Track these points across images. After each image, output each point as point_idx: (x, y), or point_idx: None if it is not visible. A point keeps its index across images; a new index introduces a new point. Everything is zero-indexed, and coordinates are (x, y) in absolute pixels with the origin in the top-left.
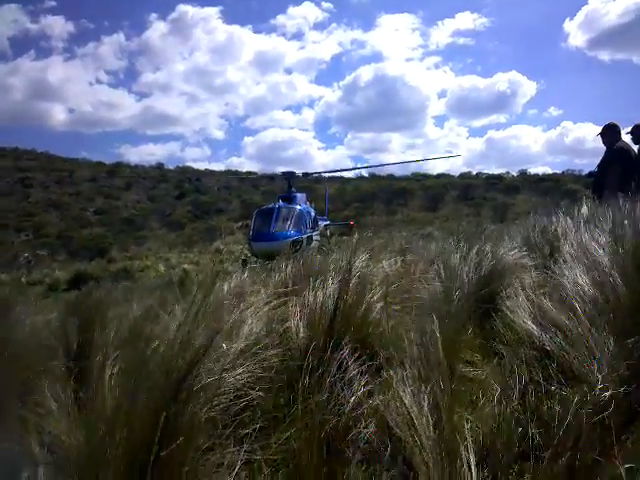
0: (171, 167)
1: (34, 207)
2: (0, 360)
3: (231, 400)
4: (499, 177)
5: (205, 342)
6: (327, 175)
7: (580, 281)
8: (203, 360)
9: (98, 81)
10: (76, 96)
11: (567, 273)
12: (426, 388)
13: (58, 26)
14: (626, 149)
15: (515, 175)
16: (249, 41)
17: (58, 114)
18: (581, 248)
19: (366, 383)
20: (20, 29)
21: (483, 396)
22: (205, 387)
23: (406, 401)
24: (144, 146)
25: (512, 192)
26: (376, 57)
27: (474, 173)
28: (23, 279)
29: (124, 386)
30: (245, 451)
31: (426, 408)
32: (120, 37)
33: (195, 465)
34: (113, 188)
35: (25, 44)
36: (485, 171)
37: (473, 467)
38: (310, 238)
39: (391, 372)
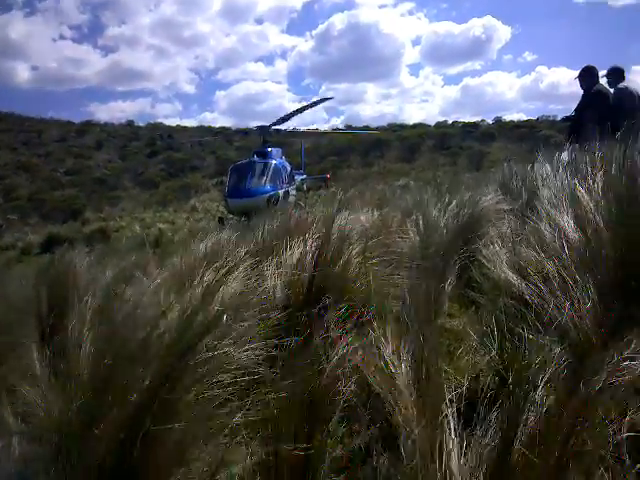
0: (142, 124)
1: (3, 170)
2: None
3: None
4: (475, 125)
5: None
6: (302, 129)
7: (562, 224)
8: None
9: (62, 37)
10: (40, 53)
11: (545, 218)
12: (404, 342)
13: None
14: (604, 92)
15: (490, 123)
16: None
17: (22, 72)
18: (562, 192)
19: (349, 342)
20: None
21: (461, 347)
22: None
23: (387, 357)
24: (113, 103)
25: (488, 140)
26: (349, 4)
27: (450, 122)
28: None
29: (99, 358)
30: (225, 413)
31: (404, 365)
32: None
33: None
34: (83, 148)
35: None
36: (461, 120)
37: (453, 422)
38: (287, 193)
39: (374, 326)
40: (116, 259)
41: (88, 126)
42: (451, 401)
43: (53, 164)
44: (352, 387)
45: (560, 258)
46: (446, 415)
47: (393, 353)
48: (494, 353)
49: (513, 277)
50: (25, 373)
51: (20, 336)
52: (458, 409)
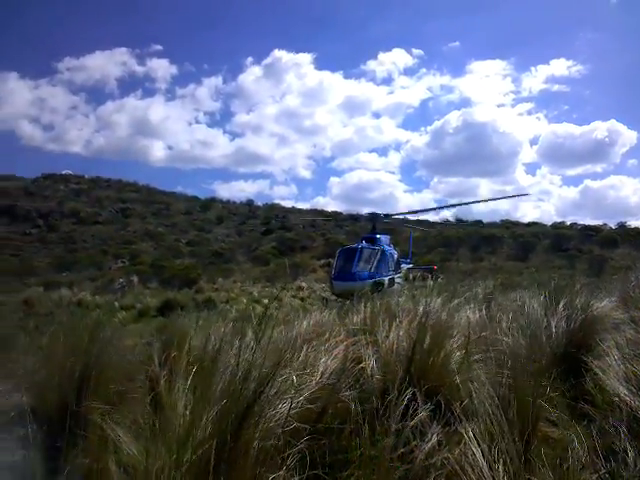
0: (260, 204)
1: (132, 236)
2: (89, 378)
3: (295, 433)
4: (595, 228)
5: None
6: (412, 217)
7: None
8: (266, 390)
9: (196, 121)
10: (175, 134)
11: None
12: (498, 447)
13: (162, 68)
14: None
15: (613, 227)
16: (339, 86)
17: (158, 151)
18: None
19: (438, 434)
20: (128, 71)
21: (568, 460)
22: (269, 418)
23: (479, 460)
24: (235, 183)
25: (610, 245)
26: (465, 103)
27: (568, 223)
28: (116, 303)
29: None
30: None
31: (501, 469)
32: (218, 80)
33: None
34: (205, 221)
35: (132, 85)
36: (580, 222)
37: None
38: (392, 280)
39: (466, 426)
40: (222, 326)
41: (212, 202)
42: None
43: (177, 234)
44: None
45: None
46: None
47: (483, 456)
48: (603, 472)
49: (626, 393)
50: (132, 424)
51: (129, 390)
52: None
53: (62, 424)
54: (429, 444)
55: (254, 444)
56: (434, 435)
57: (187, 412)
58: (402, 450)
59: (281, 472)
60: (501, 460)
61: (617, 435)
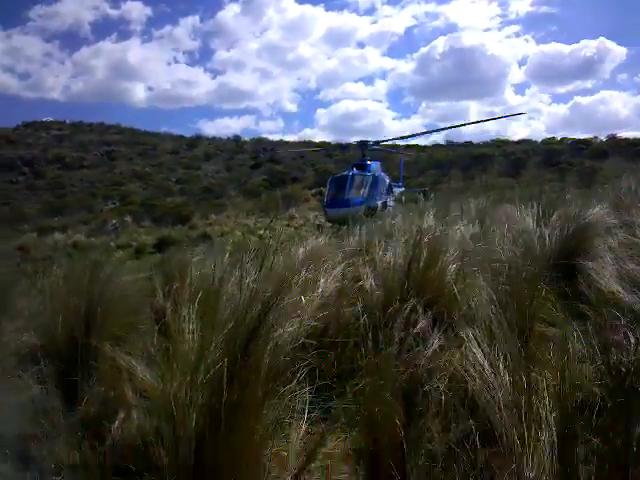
0: (247, 139)
1: (120, 177)
2: (94, 314)
3: (302, 348)
4: (585, 141)
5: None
6: (402, 143)
7: None
8: (272, 311)
9: (175, 61)
10: (155, 75)
11: None
12: (499, 347)
13: (136, 10)
14: None
15: (603, 139)
16: (321, 18)
17: (139, 92)
18: None
19: (438, 340)
20: (101, 14)
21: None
22: (277, 337)
23: (479, 359)
24: (220, 120)
25: (600, 157)
26: (451, 29)
27: (558, 139)
28: (112, 243)
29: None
30: (322, 399)
31: (501, 366)
32: (195, 19)
33: (267, 407)
34: (193, 159)
35: (106, 29)
36: (570, 137)
37: (553, 427)
38: (385, 204)
39: (466, 330)
40: (219, 258)
41: (198, 140)
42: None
43: (165, 173)
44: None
45: None
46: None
47: (484, 355)
48: (599, 363)
49: (619, 289)
50: (143, 352)
51: (137, 322)
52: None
53: (74, 358)
54: (431, 349)
55: (264, 361)
56: (435, 340)
57: (196, 338)
58: (406, 356)
59: (292, 385)
60: (501, 357)
61: (614, 328)
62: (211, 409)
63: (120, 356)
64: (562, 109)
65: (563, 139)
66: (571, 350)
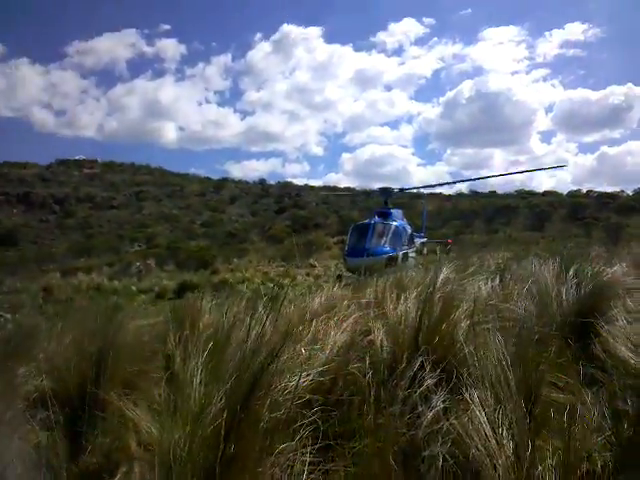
0: (272, 182)
1: (147, 219)
2: (106, 360)
3: (306, 405)
4: (612, 196)
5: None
6: (425, 191)
7: None
8: (274, 362)
9: (207, 100)
10: (186, 115)
11: None
12: (504, 412)
13: (171, 48)
14: None
15: (630, 194)
16: (349, 58)
17: (170, 132)
18: None
19: (444, 400)
20: (137, 52)
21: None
22: (279, 390)
23: (483, 425)
24: (247, 162)
25: (627, 212)
26: (478, 72)
27: (584, 191)
28: (134, 287)
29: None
30: (321, 461)
31: (505, 433)
32: (227, 57)
33: (263, 464)
34: (219, 202)
35: (141, 66)
36: (596, 190)
37: None
38: (406, 255)
39: (471, 392)
40: (235, 305)
41: (224, 182)
42: None
43: (191, 216)
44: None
45: None
46: None
47: (489, 421)
48: (609, 433)
49: (631, 356)
50: (151, 401)
51: (146, 370)
52: None
53: (82, 406)
54: (434, 410)
55: (264, 415)
56: (439, 401)
57: (201, 388)
58: (408, 417)
59: (292, 442)
60: (506, 422)
61: (624, 398)
62: (207, 463)
63: (127, 406)
64: (589, 159)
65: (589, 192)
66: (579, 418)
